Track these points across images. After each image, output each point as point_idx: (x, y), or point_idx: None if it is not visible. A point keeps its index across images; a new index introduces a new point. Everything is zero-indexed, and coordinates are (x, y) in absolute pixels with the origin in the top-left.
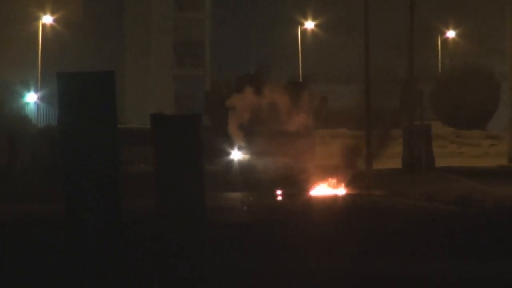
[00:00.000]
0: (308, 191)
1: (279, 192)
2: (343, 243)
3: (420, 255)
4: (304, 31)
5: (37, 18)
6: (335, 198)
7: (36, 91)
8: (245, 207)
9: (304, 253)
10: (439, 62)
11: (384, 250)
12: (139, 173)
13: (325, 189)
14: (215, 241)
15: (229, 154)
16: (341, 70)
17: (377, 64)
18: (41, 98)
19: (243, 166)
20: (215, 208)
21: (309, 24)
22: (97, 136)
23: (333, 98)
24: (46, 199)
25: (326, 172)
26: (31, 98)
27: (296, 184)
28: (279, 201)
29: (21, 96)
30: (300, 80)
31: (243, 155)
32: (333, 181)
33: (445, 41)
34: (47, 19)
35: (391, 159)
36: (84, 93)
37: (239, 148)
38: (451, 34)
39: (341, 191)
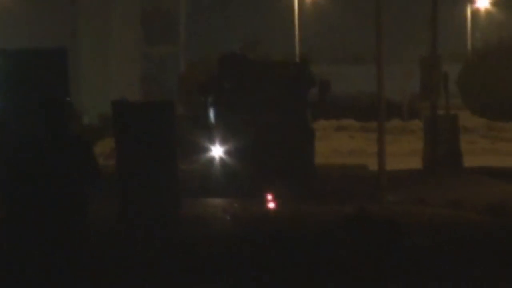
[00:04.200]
0: (305, 196)
1: (271, 197)
2: (350, 264)
3: (448, 280)
4: None
5: None
6: (338, 205)
7: None
8: (228, 217)
9: (303, 279)
10: (469, 38)
11: (402, 274)
12: None
13: (325, 195)
14: (189, 261)
15: (209, 150)
16: (348, 48)
17: (394, 40)
18: None
19: (226, 165)
20: (191, 217)
21: None
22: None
23: (338, 82)
24: None
25: (328, 173)
26: None
27: (291, 187)
28: (271, 208)
29: None
30: (297, 59)
31: (226, 152)
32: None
33: (476, 11)
34: None
35: (410, 157)
36: (32, 71)
37: (221, 143)
38: (482, 2)
39: (346, 197)
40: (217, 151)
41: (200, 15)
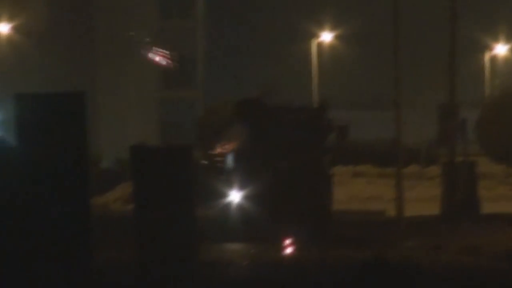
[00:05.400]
0: (322, 242)
1: (288, 242)
2: None
3: None
4: (320, 45)
5: None
6: (356, 251)
7: None
8: (245, 263)
9: None
10: (487, 85)
11: None
12: None
13: (342, 240)
14: None
15: (227, 195)
16: (366, 94)
17: (412, 86)
18: None
19: (243, 210)
20: (208, 263)
21: (326, 36)
22: (64, 170)
23: (356, 128)
24: None
25: (345, 219)
26: None
27: (308, 232)
28: (288, 255)
29: None
30: (315, 104)
31: (244, 197)
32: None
33: (494, 58)
34: (2, 27)
35: (428, 203)
36: (48, 118)
37: (239, 188)
38: (501, 49)
39: (363, 242)
40: (234, 196)
41: (218, 60)
